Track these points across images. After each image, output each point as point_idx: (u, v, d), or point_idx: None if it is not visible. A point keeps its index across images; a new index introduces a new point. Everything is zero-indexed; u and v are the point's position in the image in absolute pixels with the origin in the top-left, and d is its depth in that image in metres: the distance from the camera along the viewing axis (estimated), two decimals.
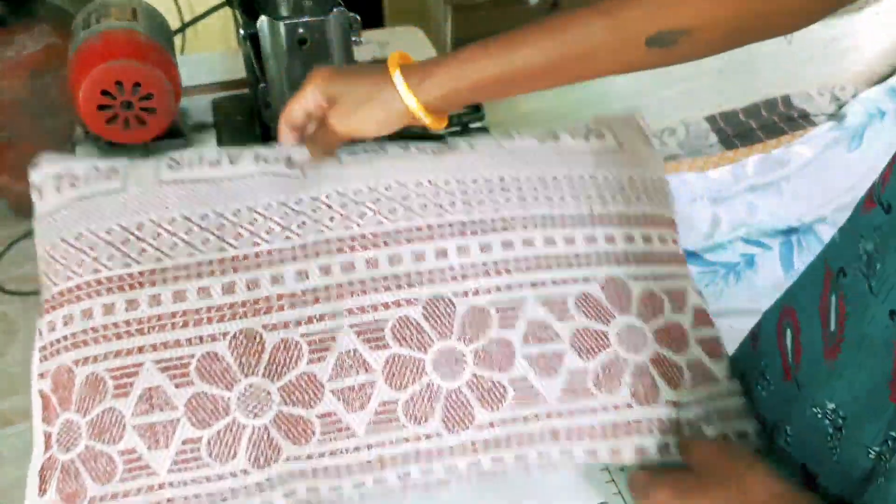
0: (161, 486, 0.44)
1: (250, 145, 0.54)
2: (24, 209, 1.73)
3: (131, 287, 0.47)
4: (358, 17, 0.62)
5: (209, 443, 0.44)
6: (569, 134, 0.58)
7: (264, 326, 0.46)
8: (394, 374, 0.46)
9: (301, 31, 0.59)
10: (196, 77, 0.89)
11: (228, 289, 0.47)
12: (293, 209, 0.50)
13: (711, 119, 1.79)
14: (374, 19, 1.41)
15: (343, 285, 0.48)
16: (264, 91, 0.63)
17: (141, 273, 0.47)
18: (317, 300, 0.47)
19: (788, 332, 0.48)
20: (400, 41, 1.01)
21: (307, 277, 0.48)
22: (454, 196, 0.52)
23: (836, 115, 1.82)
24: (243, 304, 0.47)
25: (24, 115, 1.44)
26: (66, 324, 0.47)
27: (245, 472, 0.44)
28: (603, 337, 0.49)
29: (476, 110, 0.82)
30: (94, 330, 0.47)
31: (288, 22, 0.59)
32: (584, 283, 0.51)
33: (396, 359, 0.47)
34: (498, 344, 0.48)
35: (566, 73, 0.49)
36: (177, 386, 0.45)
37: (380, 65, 0.52)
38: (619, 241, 0.53)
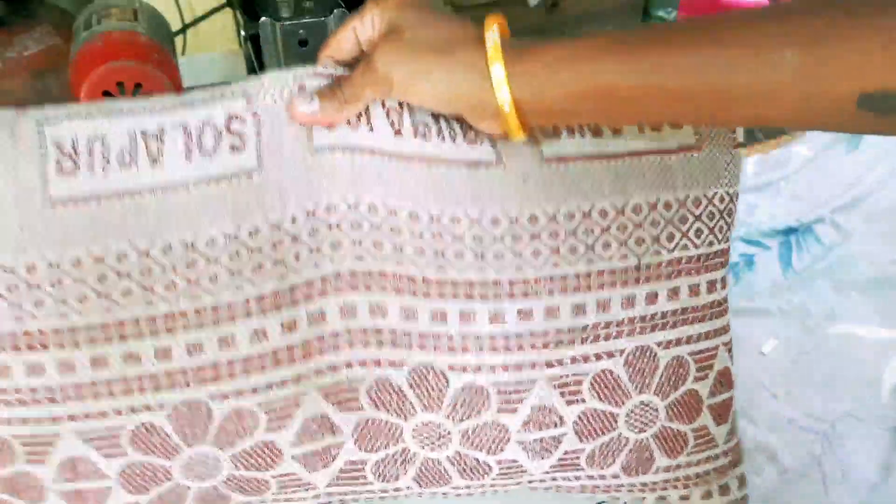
0: None
1: (172, 94, 0.39)
2: None
3: (30, 348, 0.35)
4: None
5: None
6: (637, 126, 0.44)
7: (211, 396, 0.37)
8: (365, 437, 0.40)
9: (302, 32, 0.59)
10: (197, 78, 0.89)
11: (163, 354, 0.36)
12: (246, 245, 0.37)
13: None
14: None
15: (311, 342, 0.38)
16: None
17: (41, 332, 0.35)
18: (278, 362, 0.37)
19: None
20: None
21: (265, 338, 0.37)
22: (463, 243, 0.39)
23: None
24: (183, 371, 0.36)
25: None
26: None
27: None
28: (611, 419, 0.44)
29: None
30: (3, 392, 0.36)
31: (289, 23, 0.59)
32: (608, 358, 0.43)
33: (370, 423, 0.40)
34: (492, 427, 0.41)
35: (726, 110, 0.33)
36: (106, 456, 0.37)
37: (467, 21, 0.38)
38: (661, 300, 0.44)
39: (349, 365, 0.38)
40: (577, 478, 0.45)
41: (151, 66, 0.71)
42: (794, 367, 1.25)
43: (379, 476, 0.40)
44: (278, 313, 0.37)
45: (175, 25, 0.86)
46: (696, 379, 0.47)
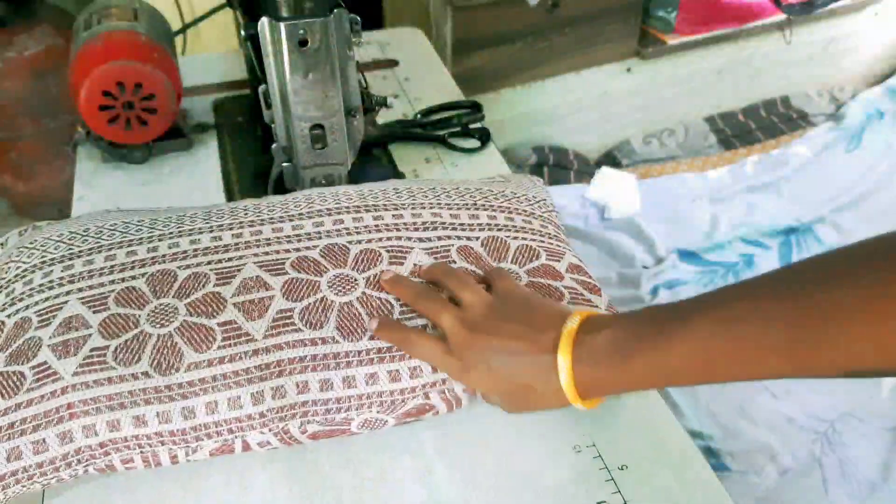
0: (64, 391, 0.45)
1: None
2: (25, 209, 1.73)
3: (69, 258, 0.53)
4: (358, 18, 0.62)
5: (115, 349, 0.47)
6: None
7: (179, 267, 0.52)
8: (291, 291, 0.50)
9: (301, 31, 0.59)
10: (197, 77, 0.90)
11: (153, 249, 0.54)
12: (214, 213, 0.58)
13: (711, 120, 1.80)
14: (374, 20, 1.41)
15: (251, 243, 0.54)
16: (265, 92, 0.63)
17: (80, 250, 0.54)
18: (227, 249, 0.53)
19: None
20: (400, 42, 1.01)
21: (221, 239, 0.54)
22: (350, 195, 0.59)
23: (835, 116, 1.83)
24: (163, 256, 0.53)
25: (26, 115, 1.44)
26: (7, 295, 0.52)
27: (146, 374, 0.46)
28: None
29: (476, 110, 0.83)
30: (31, 289, 0.51)
31: (288, 23, 0.59)
32: (466, 240, 0.56)
33: (294, 281, 0.51)
34: (387, 274, 0.52)
35: (735, 380, 0.39)
36: (94, 312, 0.49)
37: (545, 334, 0.44)
38: (500, 219, 0.59)
39: (277, 252, 0.53)
40: None
41: (151, 66, 0.71)
42: None
43: (306, 323, 0.48)
44: (230, 230, 0.55)
45: (175, 25, 0.87)
46: (550, 259, 0.56)
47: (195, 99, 0.87)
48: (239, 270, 0.51)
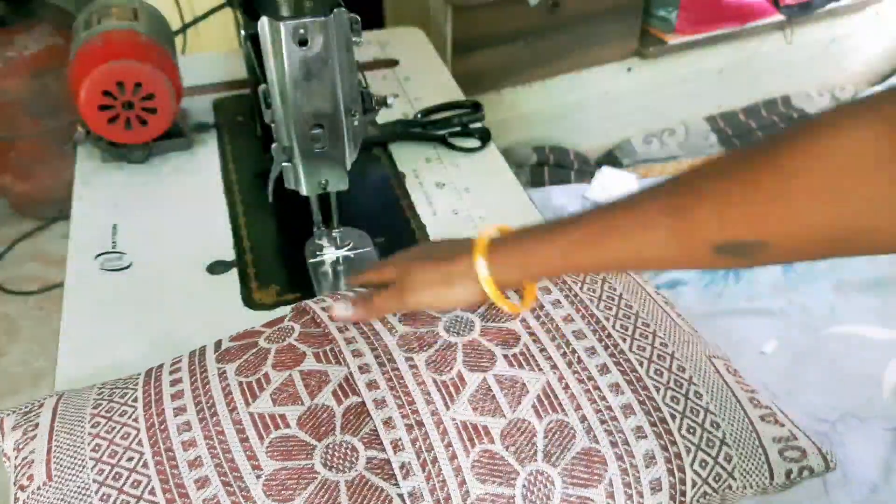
0: None
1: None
2: (25, 209, 1.72)
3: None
4: (358, 18, 0.62)
5: None
6: None
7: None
8: None
9: (302, 31, 0.59)
10: (197, 77, 0.90)
11: None
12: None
13: (711, 119, 1.80)
14: (374, 20, 1.41)
15: None
16: (265, 91, 0.63)
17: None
18: None
19: None
20: (400, 41, 1.01)
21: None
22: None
23: None
24: None
25: (26, 115, 1.44)
26: None
27: None
28: None
29: (476, 110, 0.83)
30: None
31: (288, 22, 0.59)
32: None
33: None
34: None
35: (628, 266, 0.51)
36: None
37: (464, 246, 0.50)
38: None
39: None
40: None
41: (151, 65, 0.71)
42: (794, 367, 1.25)
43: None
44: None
45: (175, 25, 0.86)
46: None
47: (195, 99, 0.87)
48: None
